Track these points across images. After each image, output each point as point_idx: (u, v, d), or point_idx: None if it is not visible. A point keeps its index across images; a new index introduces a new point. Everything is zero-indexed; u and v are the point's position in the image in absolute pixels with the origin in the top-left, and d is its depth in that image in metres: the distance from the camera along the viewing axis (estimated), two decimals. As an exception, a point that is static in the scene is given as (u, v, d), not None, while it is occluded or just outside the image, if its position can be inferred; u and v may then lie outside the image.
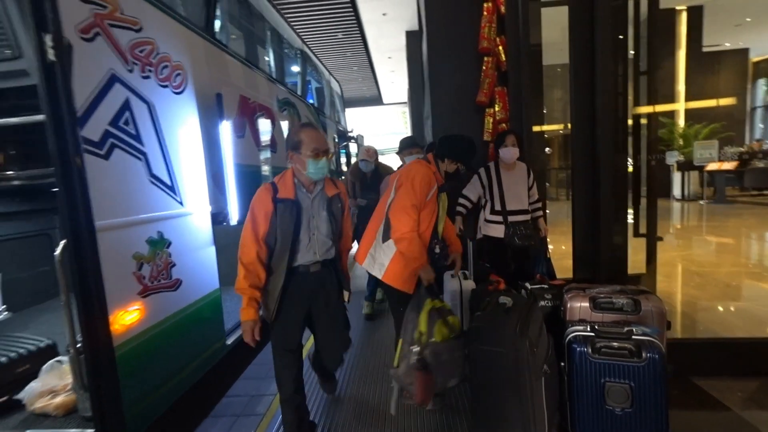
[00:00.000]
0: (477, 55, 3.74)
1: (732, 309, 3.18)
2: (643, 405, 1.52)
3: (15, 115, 1.67)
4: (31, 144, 1.88)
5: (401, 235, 1.82)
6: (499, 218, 2.65)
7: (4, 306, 2.35)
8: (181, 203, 1.97)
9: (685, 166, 9.66)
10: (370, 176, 3.55)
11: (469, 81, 3.83)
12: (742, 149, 10.60)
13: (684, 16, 10.28)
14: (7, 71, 1.63)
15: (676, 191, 9.85)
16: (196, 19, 2.31)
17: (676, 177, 9.79)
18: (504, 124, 3.69)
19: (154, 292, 1.75)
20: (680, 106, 10.83)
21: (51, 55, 1.19)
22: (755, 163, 9.43)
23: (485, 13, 3.64)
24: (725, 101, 12.37)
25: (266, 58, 3.59)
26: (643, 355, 1.52)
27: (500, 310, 1.72)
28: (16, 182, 1.88)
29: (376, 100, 17.20)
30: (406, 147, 3.00)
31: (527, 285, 2.14)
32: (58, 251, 1.36)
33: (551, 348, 1.74)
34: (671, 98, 10.66)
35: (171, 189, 1.89)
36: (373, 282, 3.33)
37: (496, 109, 3.72)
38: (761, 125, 14.58)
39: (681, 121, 10.85)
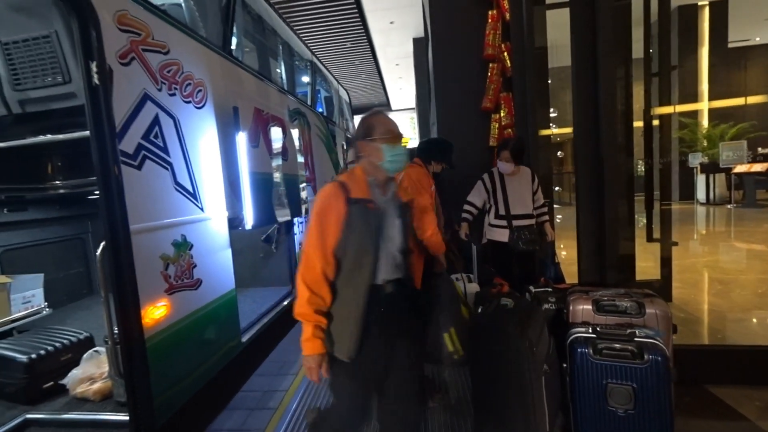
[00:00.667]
0: (482, 61, 3.85)
1: (755, 319, 2.99)
2: (647, 407, 1.52)
3: (61, 132, 1.87)
4: (71, 157, 2.08)
5: (430, 234, 1.80)
6: (504, 222, 2.70)
7: (46, 303, 2.55)
8: (201, 209, 2.13)
9: (710, 168, 9.19)
10: None
11: (474, 87, 3.93)
12: None
13: (707, 12, 9.99)
14: (57, 94, 1.82)
15: (701, 194, 9.41)
16: (214, 39, 2.49)
17: (701, 180, 9.35)
18: (510, 130, 3.79)
19: (179, 291, 1.90)
20: (704, 105, 10.37)
21: (96, 79, 1.36)
22: (788, 164, 8.90)
23: (490, 20, 3.76)
24: (754, 99, 11.56)
25: (278, 71, 3.77)
26: (646, 356, 1.53)
27: (501, 311, 1.76)
28: (61, 191, 2.07)
29: (385, 106, 17.41)
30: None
31: (531, 288, 2.17)
32: (98, 252, 1.52)
33: (552, 348, 1.76)
34: (694, 97, 10.23)
35: (193, 196, 2.06)
36: None
37: (502, 114, 3.82)
38: None
39: (705, 121, 10.33)
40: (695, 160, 9.17)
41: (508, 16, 3.55)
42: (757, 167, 8.92)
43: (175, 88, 1.94)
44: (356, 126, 1.40)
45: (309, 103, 4.50)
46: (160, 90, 1.82)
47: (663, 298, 1.84)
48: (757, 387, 2.07)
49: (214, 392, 2.34)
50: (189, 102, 2.06)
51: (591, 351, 1.61)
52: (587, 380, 1.62)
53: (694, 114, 10.40)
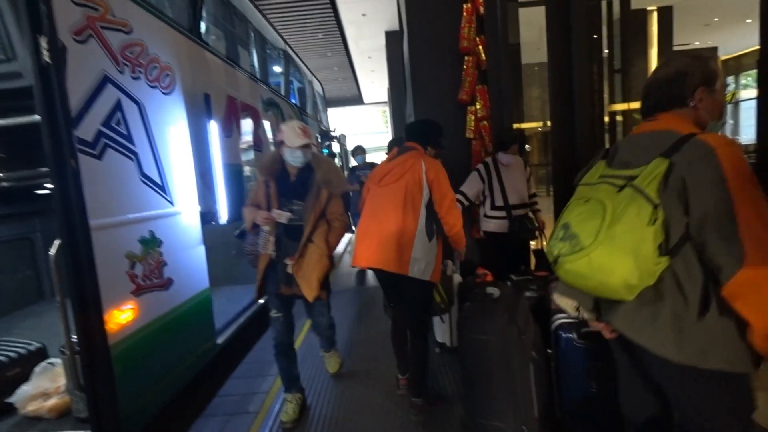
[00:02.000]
0: (458, 54, 3.85)
1: None
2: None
3: (2, 116, 1.65)
4: (14, 146, 1.85)
5: (458, 230, 1.87)
6: (502, 213, 2.65)
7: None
8: (171, 202, 1.98)
9: None
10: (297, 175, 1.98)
11: (450, 80, 3.93)
12: None
13: (655, 16, 10.68)
14: (-1, 73, 1.60)
15: None
16: (183, 21, 2.31)
17: None
18: (485, 122, 3.83)
19: (147, 291, 1.76)
20: None
21: (46, 56, 1.20)
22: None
23: (465, 13, 3.76)
24: None
25: (251, 59, 3.59)
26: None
27: (488, 300, 1.76)
28: (4, 184, 1.85)
29: (357, 99, 17.23)
30: (395, 146, 3.08)
31: (512, 277, 2.20)
32: (52, 251, 1.36)
33: (538, 336, 1.79)
34: None
35: (161, 188, 1.90)
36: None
37: (478, 107, 3.85)
38: (731, 121, 15.27)
39: None
40: None
41: (482, 9, 3.57)
42: None
43: (140, 72, 1.77)
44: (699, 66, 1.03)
45: (283, 93, 4.34)
46: (122, 72, 1.65)
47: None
48: None
49: (188, 399, 2.20)
50: (155, 87, 1.89)
51: (575, 335, 1.62)
52: (572, 364, 1.64)
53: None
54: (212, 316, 2.38)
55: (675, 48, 11.31)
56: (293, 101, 4.96)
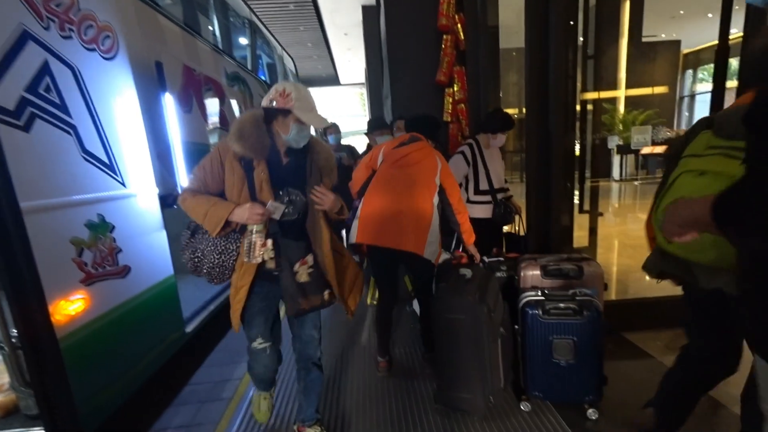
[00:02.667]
0: (436, 32, 3.72)
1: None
2: (584, 356, 1.70)
3: None
4: None
5: (465, 214, 2.07)
6: (487, 198, 2.60)
7: None
8: (123, 184, 1.82)
9: (624, 150, 10.37)
10: (289, 156, 2.14)
11: (428, 59, 3.80)
12: (670, 134, 11.65)
13: (628, 6, 10.81)
14: None
15: (615, 173, 10.58)
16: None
17: (616, 159, 10.49)
18: (462, 105, 3.75)
19: (100, 280, 1.62)
20: (621, 93, 11.47)
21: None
22: (680, 148, 10.52)
23: (443, -11, 3.62)
24: (659, 89, 13.40)
25: (211, 27, 3.33)
26: (584, 313, 1.68)
27: (461, 281, 1.83)
28: None
29: (333, 80, 16.70)
30: (376, 128, 2.97)
31: (485, 258, 2.26)
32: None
33: (506, 313, 1.91)
34: (614, 85, 11.21)
35: (110, 168, 1.74)
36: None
37: (455, 89, 3.75)
38: (687, 113, 16.02)
39: (621, 107, 11.61)
40: (612, 142, 10.20)
41: (461, -15, 3.44)
42: (658, 149, 10.45)
43: (71, 30, 1.56)
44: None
45: (249, 68, 4.08)
46: (47, 29, 1.44)
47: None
48: (659, 330, 2.47)
49: (157, 390, 2.11)
50: (93, 50, 1.68)
51: (540, 312, 1.73)
52: (536, 338, 1.76)
53: (613, 100, 11.45)
54: (179, 305, 2.26)
55: (643, 39, 11.52)
56: (262, 77, 4.70)
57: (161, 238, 2.11)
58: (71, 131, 1.51)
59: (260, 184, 1.39)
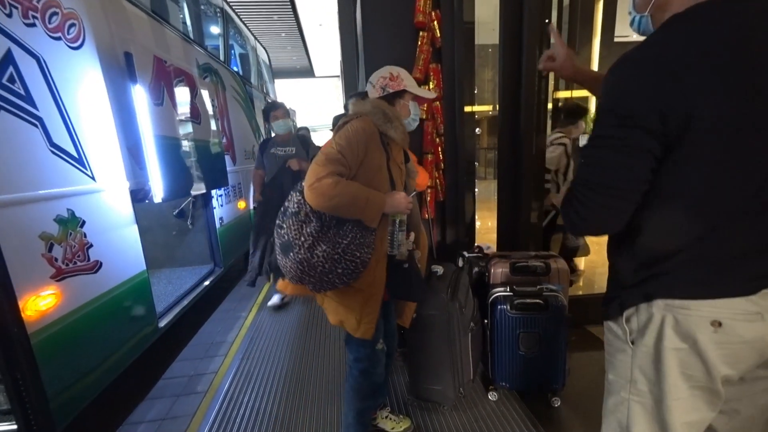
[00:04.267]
0: (413, 28, 3.76)
1: None
2: (548, 348, 1.79)
3: None
4: None
5: None
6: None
7: None
8: (92, 178, 1.78)
9: None
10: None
11: (405, 55, 3.82)
12: None
13: (601, 6, 11.27)
14: None
15: None
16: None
17: None
18: (438, 103, 3.83)
19: (71, 275, 1.60)
20: None
21: None
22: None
23: (421, -15, 3.66)
24: None
25: (182, 16, 3.23)
26: (550, 307, 1.76)
27: (433, 278, 1.88)
28: None
29: (308, 72, 16.40)
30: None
31: (465, 254, 2.30)
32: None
33: (476, 309, 1.96)
34: None
35: (78, 161, 1.70)
36: None
37: (431, 86, 3.83)
38: None
39: (593, 106, 12.10)
40: (584, 140, 10.65)
41: (438, -19, 3.50)
42: None
43: (34, 17, 1.51)
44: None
45: (222, 59, 3.99)
46: (9, 15, 1.39)
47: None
48: None
49: (130, 384, 2.09)
50: (59, 39, 1.63)
51: (508, 307, 1.80)
52: (504, 332, 1.83)
53: (586, 100, 11.92)
54: (152, 299, 2.24)
55: (616, 40, 12.11)
56: (234, 69, 4.61)
57: (133, 233, 2.08)
58: (37, 123, 1.47)
59: (398, 174, 1.36)
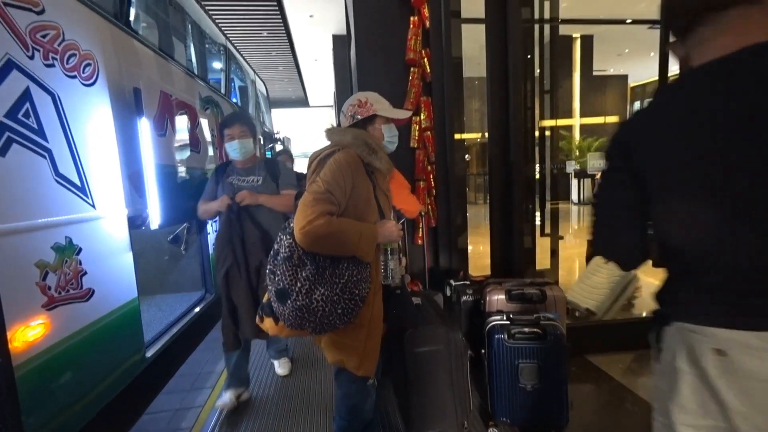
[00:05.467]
0: (404, 64, 3.97)
1: None
2: (549, 380, 1.72)
3: None
4: None
5: None
6: None
7: None
8: (93, 206, 1.79)
9: (581, 174, 11.12)
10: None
11: (396, 89, 4.01)
12: None
13: (579, 43, 12.01)
14: None
15: (574, 196, 11.35)
16: (108, 6, 2.12)
17: (575, 184, 11.28)
18: (429, 132, 3.99)
19: (62, 304, 1.57)
20: (576, 121, 12.53)
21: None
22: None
23: (412, 26, 3.90)
24: (611, 119, 14.77)
25: (187, 53, 3.38)
26: (548, 337, 1.71)
27: (416, 311, 1.82)
28: None
29: (303, 102, 16.89)
30: None
31: (451, 282, 2.29)
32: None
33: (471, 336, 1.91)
34: (569, 114, 12.27)
35: (81, 190, 1.72)
36: None
37: (422, 117, 4.00)
38: None
39: (577, 134, 12.65)
40: (570, 167, 11.04)
41: (428, 24, 3.74)
42: None
43: (54, 59, 1.59)
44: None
45: (223, 91, 4.13)
46: (31, 58, 1.47)
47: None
48: (620, 352, 2.55)
49: (110, 419, 2.00)
50: (74, 77, 1.71)
51: (506, 336, 1.76)
52: (502, 363, 1.77)
53: (569, 128, 12.50)
54: (141, 328, 2.19)
55: (594, 73, 12.85)
56: (234, 100, 4.75)
57: (127, 260, 2.06)
58: (46, 155, 1.50)
59: (385, 202, 1.34)
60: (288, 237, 1.19)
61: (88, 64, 1.79)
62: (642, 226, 0.85)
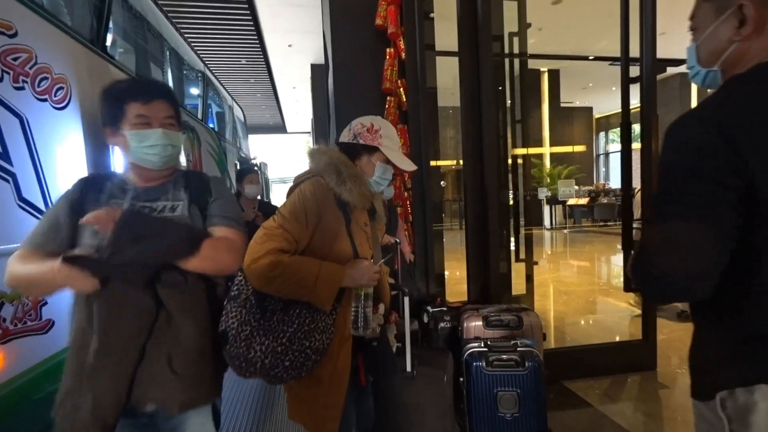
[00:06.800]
0: (381, 93, 4.12)
1: (591, 321, 3.83)
2: (528, 409, 1.70)
3: None
4: None
5: None
6: None
7: None
8: (57, 231, 1.71)
9: (552, 201, 11.59)
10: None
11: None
12: (591, 188, 13.42)
13: (546, 76, 12.86)
14: None
15: (546, 222, 11.75)
16: (84, 31, 2.11)
17: (546, 210, 11.71)
18: (404, 160, 4.12)
19: (18, 337, 1.46)
20: (546, 150, 13.15)
21: None
22: (601, 199, 11.83)
23: (388, 57, 4.08)
24: (578, 148, 15.67)
25: (165, 79, 3.37)
26: (526, 364, 1.70)
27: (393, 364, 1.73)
28: None
29: (280, 128, 16.99)
30: None
31: (428, 308, 2.27)
32: None
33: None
34: (540, 143, 12.89)
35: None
36: None
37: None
38: (603, 169, 18.89)
39: (547, 162, 13.30)
40: (542, 193, 11.56)
41: (404, 55, 3.94)
42: (582, 201, 11.95)
43: (24, 82, 1.56)
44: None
45: (200, 117, 4.11)
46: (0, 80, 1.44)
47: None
48: (597, 378, 2.56)
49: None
50: (44, 100, 1.67)
51: (484, 363, 1.74)
52: (481, 391, 1.75)
53: (540, 156, 13.16)
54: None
55: (561, 104, 13.76)
56: (211, 125, 4.73)
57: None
58: (9, 179, 1.44)
59: (362, 238, 1.18)
60: (240, 275, 1.08)
61: (61, 88, 1.76)
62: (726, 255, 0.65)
